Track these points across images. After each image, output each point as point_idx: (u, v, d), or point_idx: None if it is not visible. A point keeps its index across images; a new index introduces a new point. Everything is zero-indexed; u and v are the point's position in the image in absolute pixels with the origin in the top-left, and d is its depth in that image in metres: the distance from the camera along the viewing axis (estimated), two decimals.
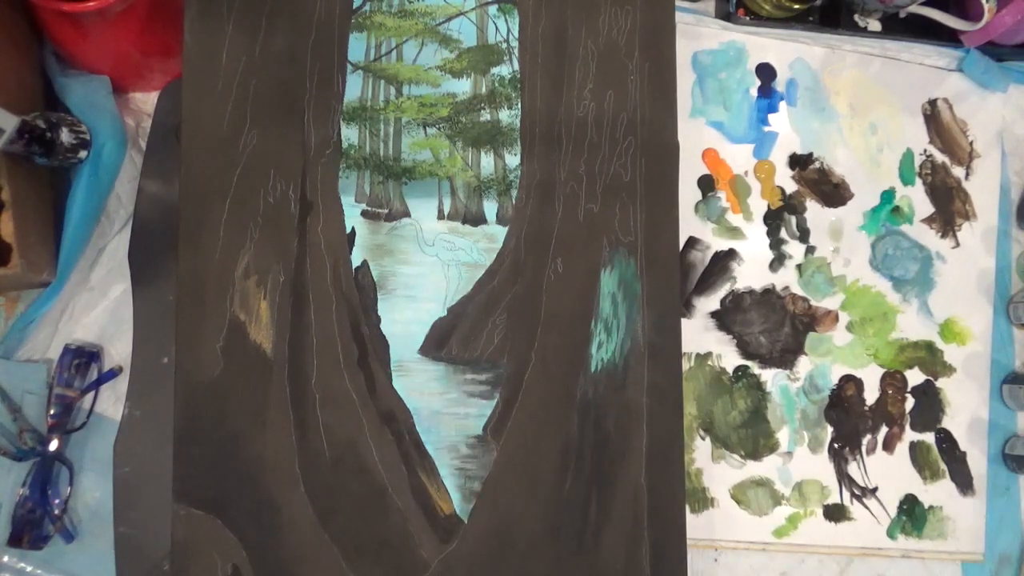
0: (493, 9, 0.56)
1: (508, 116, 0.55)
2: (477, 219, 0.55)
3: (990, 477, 0.67)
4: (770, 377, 0.65)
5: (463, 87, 0.55)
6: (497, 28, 0.56)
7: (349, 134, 0.54)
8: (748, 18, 0.67)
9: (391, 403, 0.52)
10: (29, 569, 0.54)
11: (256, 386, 0.51)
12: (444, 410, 0.53)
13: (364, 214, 0.53)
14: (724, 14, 0.68)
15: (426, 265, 0.54)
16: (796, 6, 0.66)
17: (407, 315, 0.53)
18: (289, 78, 0.53)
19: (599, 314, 0.54)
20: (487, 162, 0.55)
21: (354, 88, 0.54)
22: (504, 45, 0.56)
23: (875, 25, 0.69)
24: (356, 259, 0.53)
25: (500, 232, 0.55)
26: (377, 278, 0.53)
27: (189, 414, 0.50)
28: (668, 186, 0.56)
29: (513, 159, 0.55)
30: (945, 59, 0.70)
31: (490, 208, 0.55)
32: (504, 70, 0.55)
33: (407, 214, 0.54)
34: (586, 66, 0.56)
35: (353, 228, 0.53)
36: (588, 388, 0.54)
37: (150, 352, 0.55)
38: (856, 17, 0.69)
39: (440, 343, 0.53)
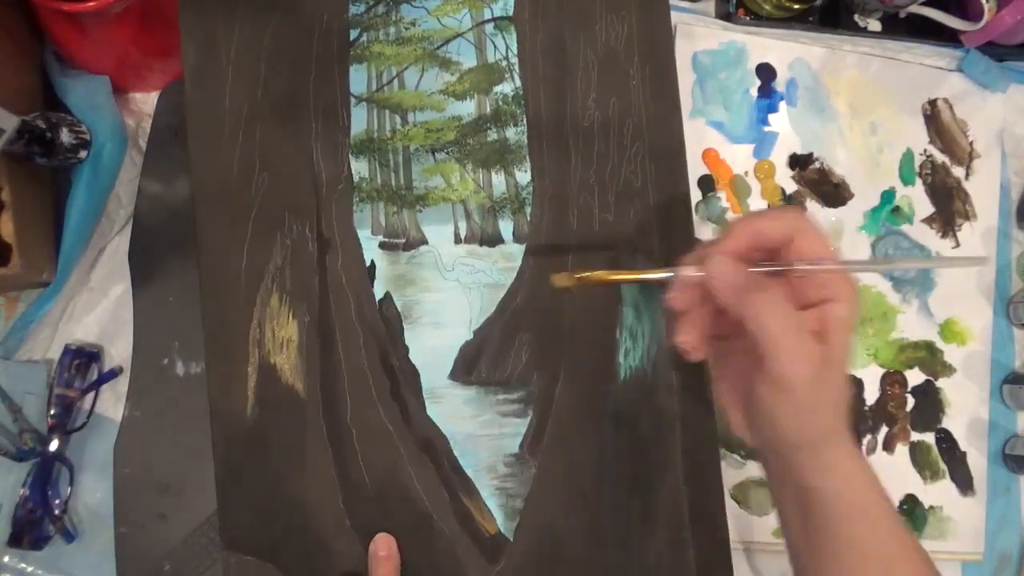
0: (490, 27, 0.56)
1: (515, 133, 0.56)
2: (494, 239, 0.55)
3: (990, 477, 0.68)
4: None
5: (467, 109, 0.56)
6: (495, 46, 0.56)
7: (359, 167, 0.54)
8: (748, 18, 0.68)
9: (427, 431, 0.53)
10: (30, 569, 0.55)
11: (293, 428, 0.52)
12: (479, 432, 0.54)
13: (382, 246, 0.54)
14: (724, 14, 0.69)
15: (448, 291, 0.55)
16: (796, 6, 0.67)
17: (434, 342, 0.54)
18: (294, 118, 0.54)
19: (623, 322, 0.55)
20: (498, 181, 0.56)
21: (359, 120, 0.55)
22: (504, 62, 0.56)
23: (875, 25, 0.71)
24: (379, 291, 0.54)
25: (518, 250, 0.55)
26: (401, 308, 0.54)
27: (229, 463, 0.51)
28: (679, 187, 0.58)
29: (524, 176, 0.56)
30: (945, 59, 0.72)
31: (506, 227, 0.56)
32: (506, 87, 0.56)
33: (424, 241, 0.55)
34: (587, 75, 0.56)
35: (372, 261, 0.54)
36: (619, 396, 0.55)
37: (150, 353, 0.57)
38: (856, 17, 0.70)
39: (469, 367, 0.54)
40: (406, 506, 0.53)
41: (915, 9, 0.68)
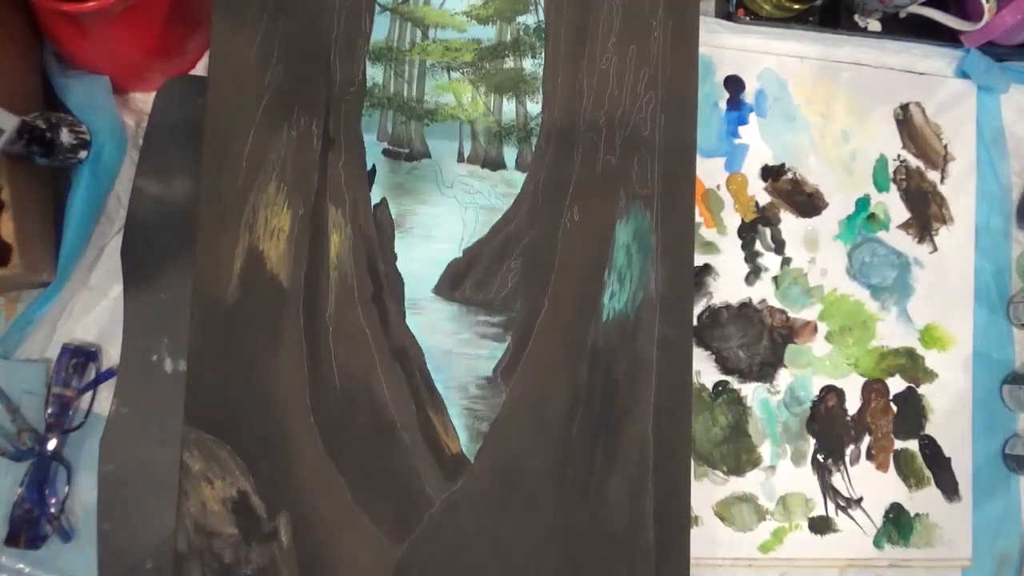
0: None
1: (531, 65, 0.57)
2: (496, 164, 0.56)
3: (989, 477, 0.68)
4: (750, 391, 0.66)
5: (488, 34, 0.56)
6: None
7: (374, 73, 0.55)
8: (748, 18, 0.68)
9: (403, 340, 0.53)
10: (27, 569, 0.54)
11: (271, 316, 0.52)
12: (456, 350, 0.54)
13: (385, 152, 0.55)
14: (724, 14, 0.70)
15: (444, 206, 0.55)
16: (796, 6, 0.68)
17: (423, 254, 0.54)
18: (317, 15, 0.55)
19: (613, 264, 0.55)
20: (508, 108, 0.56)
21: (381, 28, 0.56)
22: None
23: (875, 25, 0.71)
24: (375, 196, 0.54)
25: (518, 178, 0.56)
26: (395, 216, 0.54)
27: (204, 339, 0.52)
28: (686, 142, 0.58)
29: (535, 107, 0.56)
30: (945, 59, 0.72)
31: (509, 154, 0.56)
32: (529, 19, 0.57)
33: (427, 155, 0.55)
34: (610, 20, 0.57)
35: (374, 166, 0.55)
36: (599, 337, 0.55)
37: (140, 349, 0.56)
38: (856, 17, 0.71)
39: (454, 284, 0.54)
40: (371, 410, 0.53)
41: (915, 9, 0.69)
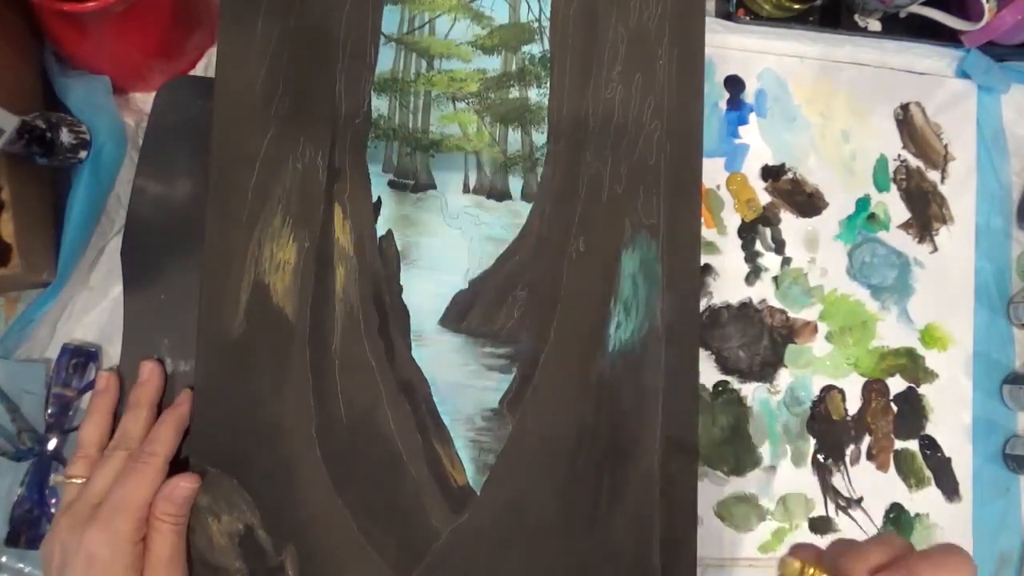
0: None
1: (537, 94, 0.56)
2: (502, 194, 0.56)
3: (989, 477, 0.68)
4: (750, 392, 0.66)
5: (493, 64, 0.56)
6: (529, 7, 0.57)
7: (379, 104, 0.55)
8: (748, 18, 0.68)
9: (409, 372, 0.53)
10: (28, 569, 0.55)
11: (277, 349, 0.52)
12: (462, 381, 0.54)
13: (391, 184, 0.55)
14: (724, 14, 0.69)
15: (450, 238, 0.55)
16: (796, 6, 0.68)
17: (429, 286, 0.54)
18: (322, 47, 0.55)
19: (619, 294, 0.55)
20: (514, 139, 0.56)
21: (386, 60, 0.55)
22: (536, 24, 0.57)
23: (875, 25, 0.71)
24: (381, 228, 0.54)
25: (524, 208, 0.56)
26: (401, 248, 0.54)
27: (210, 373, 0.52)
28: (692, 171, 0.58)
29: (540, 137, 0.56)
30: (945, 59, 0.72)
31: (515, 184, 0.56)
32: (535, 49, 0.57)
33: (433, 186, 0.55)
34: (615, 49, 0.57)
35: (379, 197, 0.55)
36: (605, 367, 0.55)
37: (140, 350, 0.56)
38: (856, 17, 0.71)
39: (460, 316, 0.54)
40: (378, 444, 0.53)
41: (915, 9, 0.68)
